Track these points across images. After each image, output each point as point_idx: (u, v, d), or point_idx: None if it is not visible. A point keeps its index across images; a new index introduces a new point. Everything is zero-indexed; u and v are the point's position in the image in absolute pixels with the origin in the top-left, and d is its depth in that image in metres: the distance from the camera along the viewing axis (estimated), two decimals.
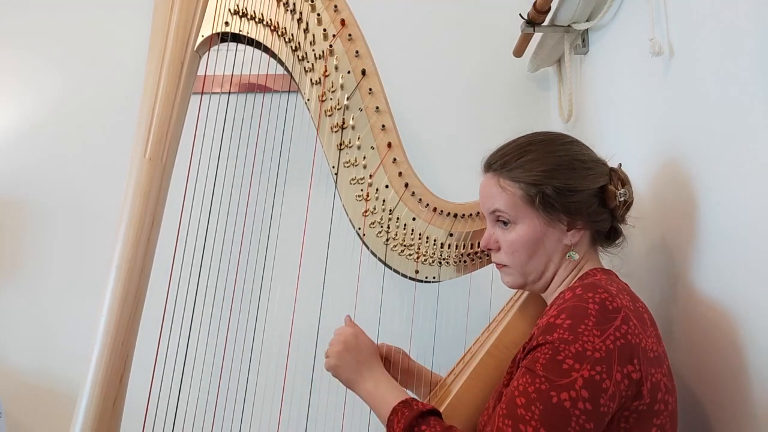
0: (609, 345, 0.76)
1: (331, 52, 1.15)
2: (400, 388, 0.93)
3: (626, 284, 0.92)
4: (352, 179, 1.15)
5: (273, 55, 1.16)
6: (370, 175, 1.15)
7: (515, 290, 1.18)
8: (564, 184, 0.91)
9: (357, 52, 1.15)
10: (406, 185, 1.16)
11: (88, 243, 1.70)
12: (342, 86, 1.15)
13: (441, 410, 0.98)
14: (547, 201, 0.91)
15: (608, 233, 0.98)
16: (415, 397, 0.94)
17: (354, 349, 0.98)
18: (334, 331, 1.03)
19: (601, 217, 0.94)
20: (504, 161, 0.95)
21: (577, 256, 0.93)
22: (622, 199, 0.92)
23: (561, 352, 0.76)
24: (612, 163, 0.99)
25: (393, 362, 1.17)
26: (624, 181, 0.94)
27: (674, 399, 0.83)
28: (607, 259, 1.02)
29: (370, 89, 1.16)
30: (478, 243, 1.15)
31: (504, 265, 0.98)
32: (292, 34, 1.15)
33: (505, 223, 0.95)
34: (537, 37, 1.56)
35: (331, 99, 1.15)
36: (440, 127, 1.73)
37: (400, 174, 1.16)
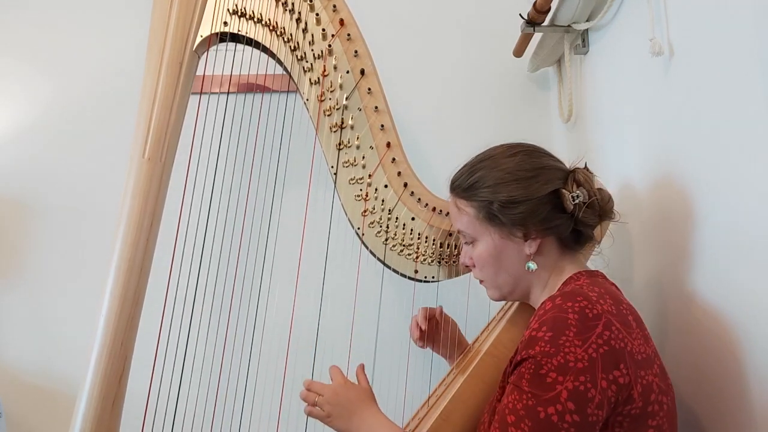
0: (592, 353, 0.75)
1: (330, 52, 1.15)
2: (391, 425, 0.93)
3: (612, 285, 0.92)
4: (351, 179, 1.16)
5: (272, 54, 1.17)
6: (369, 175, 1.16)
7: None
8: (507, 197, 0.92)
9: (356, 51, 1.16)
10: (405, 185, 1.16)
11: (87, 243, 1.70)
12: (341, 86, 1.15)
13: (441, 409, 0.99)
14: (491, 216, 0.93)
15: (575, 237, 0.96)
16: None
17: (344, 398, 0.98)
18: (324, 386, 1.01)
19: (555, 223, 0.93)
20: (458, 183, 0.99)
21: (534, 266, 0.94)
22: (577, 201, 0.91)
23: (544, 366, 0.76)
24: (582, 164, 0.98)
25: (443, 332, 1.19)
26: (580, 182, 0.93)
27: (670, 398, 0.82)
28: (599, 261, 1.02)
29: (369, 89, 1.16)
30: None
31: (482, 280, 1.02)
32: (291, 34, 1.15)
33: (471, 242, 0.99)
34: (537, 37, 1.56)
35: (330, 99, 1.15)
36: (439, 126, 1.73)
37: (399, 174, 1.16)
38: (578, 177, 0.94)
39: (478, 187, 0.95)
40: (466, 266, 1.04)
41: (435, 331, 1.21)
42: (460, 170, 1.01)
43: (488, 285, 1.01)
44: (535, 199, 0.92)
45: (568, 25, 1.47)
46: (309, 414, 0.99)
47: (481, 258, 0.97)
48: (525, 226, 0.92)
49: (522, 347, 0.81)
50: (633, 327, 0.82)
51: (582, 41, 1.49)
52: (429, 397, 1.11)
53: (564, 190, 0.92)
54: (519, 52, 1.64)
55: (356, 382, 1.02)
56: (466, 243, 1.01)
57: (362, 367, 1.05)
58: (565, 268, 0.95)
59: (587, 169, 0.97)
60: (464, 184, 0.98)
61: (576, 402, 0.74)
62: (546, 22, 1.48)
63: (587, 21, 1.43)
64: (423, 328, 1.18)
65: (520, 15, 1.49)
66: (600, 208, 0.95)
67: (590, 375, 0.75)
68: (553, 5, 1.42)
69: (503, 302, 1.20)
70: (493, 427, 0.80)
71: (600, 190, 0.95)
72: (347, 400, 0.98)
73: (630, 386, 0.77)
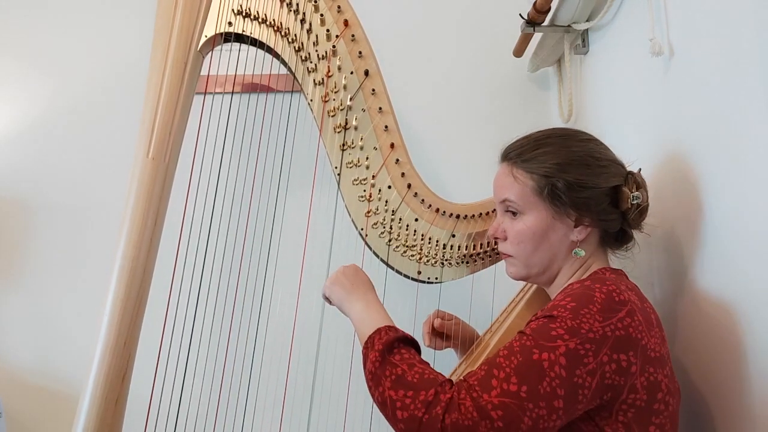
0: (607, 332, 0.77)
1: (335, 53, 1.15)
2: (390, 319, 0.92)
3: (635, 285, 0.93)
4: (355, 180, 1.16)
5: (276, 55, 1.16)
6: (373, 176, 1.15)
7: (517, 292, 1.19)
8: (575, 179, 0.91)
9: (360, 52, 1.16)
10: (409, 186, 1.16)
11: (89, 243, 1.70)
12: (345, 87, 1.15)
13: None
14: (555, 194, 0.91)
15: (618, 236, 0.98)
16: None
17: (352, 275, 1.00)
18: None
19: (610, 217, 0.94)
20: (520, 152, 0.96)
21: (583, 253, 0.94)
22: (635, 201, 0.92)
23: (556, 322, 0.78)
24: (633, 168, 0.98)
25: (453, 335, 1.20)
26: (639, 185, 0.94)
27: (676, 401, 0.83)
28: (618, 262, 1.03)
29: (373, 90, 1.16)
30: (481, 244, 1.16)
31: (509, 255, 0.99)
32: (296, 35, 1.15)
33: (514, 214, 0.96)
34: (537, 37, 1.56)
35: (334, 99, 1.15)
36: (441, 127, 1.73)
37: (402, 175, 1.16)
38: (638, 179, 0.95)
39: (544, 161, 0.93)
40: (495, 238, 1.01)
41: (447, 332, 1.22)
42: (521, 140, 0.98)
43: (517, 262, 0.97)
44: (600, 188, 0.92)
45: (568, 25, 1.47)
46: (323, 290, 1.02)
47: (523, 232, 0.94)
48: (582, 212, 0.92)
49: (541, 314, 0.82)
50: (653, 325, 0.83)
51: (582, 41, 1.50)
52: None
53: (625, 188, 0.93)
54: (519, 52, 1.64)
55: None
56: (509, 211, 0.97)
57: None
58: (595, 262, 0.95)
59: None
60: (527, 155, 0.95)
61: (569, 359, 0.74)
62: (546, 22, 1.48)
63: (587, 21, 1.43)
64: (436, 326, 1.19)
65: (520, 15, 1.49)
66: (643, 216, 0.96)
67: (595, 346, 0.75)
68: (553, 5, 1.42)
69: (506, 304, 1.20)
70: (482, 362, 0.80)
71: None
72: (355, 275, 1.00)
73: (634, 375, 0.77)
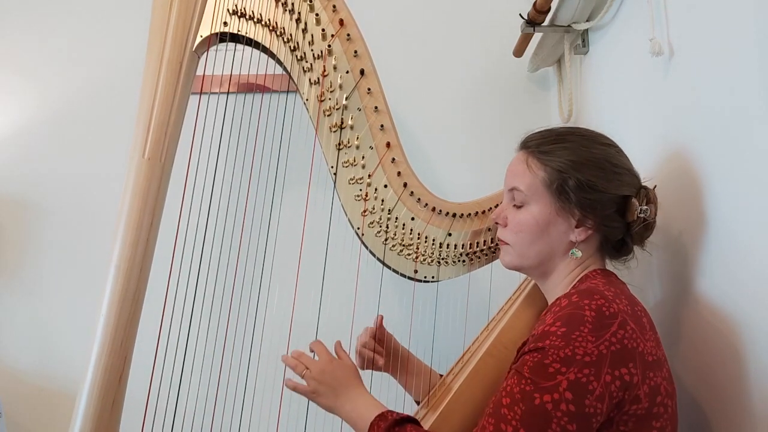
0: (603, 350, 0.76)
1: (330, 52, 1.15)
2: (377, 404, 0.93)
3: (625, 286, 0.92)
4: (351, 179, 1.16)
5: (271, 55, 1.17)
6: (369, 175, 1.15)
7: (515, 290, 1.18)
8: (587, 179, 0.91)
9: (356, 52, 1.15)
10: (405, 185, 1.16)
11: (87, 243, 1.71)
12: (341, 86, 1.15)
13: (440, 409, 0.99)
14: (563, 190, 0.91)
15: (617, 245, 0.97)
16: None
17: (330, 377, 0.99)
18: (313, 353, 1.04)
19: (613, 225, 0.93)
20: (539, 143, 0.96)
21: (579, 254, 0.93)
22: (641, 215, 0.92)
23: (549, 356, 0.77)
24: (650, 184, 0.98)
25: (393, 347, 1.21)
26: (650, 200, 0.94)
27: (674, 402, 0.83)
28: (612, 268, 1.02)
29: (369, 89, 1.16)
30: (478, 242, 1.15)
31: (506, 243, 0.99)
32: (291, 34, 1.15)
33: (519, 203, 0.96)
34: (537, 37, 1.56)
35: (329, 99, 1.15)
36: (439, 127, 1.73)
37: (398, 174, 1.16)
38: (650, 195, 0.94)
39: (561, 156, 0.93)
40: (496, 223, 1.01)
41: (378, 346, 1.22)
42: (542, 131, 0.99)
43: (513, 250, 0.98)
44: (609, 194, 0.92)
45: (568, 25, 1.47)
46: (293, 389, 1.00)
47: (523, 223, 0.95)
48: (586, 213, 0.92)
49: (532, 340, 0.81)
50: (646, 329, 0.82)
51: (582, 41, 1.50)
52: (428, 398, 1.11)
53: (634, 200, 0.92)
54: (519, 52, 1.64)
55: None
56: (513, 204, 0.97)
57: (340, 344, 1.06)
58: (590, 265, 0.95)
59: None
60: (546, 146, 0.95)
61: (574, 392, 0.74)
62: (546, 22, 1.48)
63: (587, 21, 1.43)
64: (371, 347, 1.19)
65: (520, 15, 1.49)
66: (648, 233, 0.95)
67: (595, 369, 0.75)
68: (553, 5, 1.42)
69: (503, 302, 1.20)
70: (488, 408, 0.80)
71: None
72: (334, 378, 0.98)
73: (637, 386, 0.77)
